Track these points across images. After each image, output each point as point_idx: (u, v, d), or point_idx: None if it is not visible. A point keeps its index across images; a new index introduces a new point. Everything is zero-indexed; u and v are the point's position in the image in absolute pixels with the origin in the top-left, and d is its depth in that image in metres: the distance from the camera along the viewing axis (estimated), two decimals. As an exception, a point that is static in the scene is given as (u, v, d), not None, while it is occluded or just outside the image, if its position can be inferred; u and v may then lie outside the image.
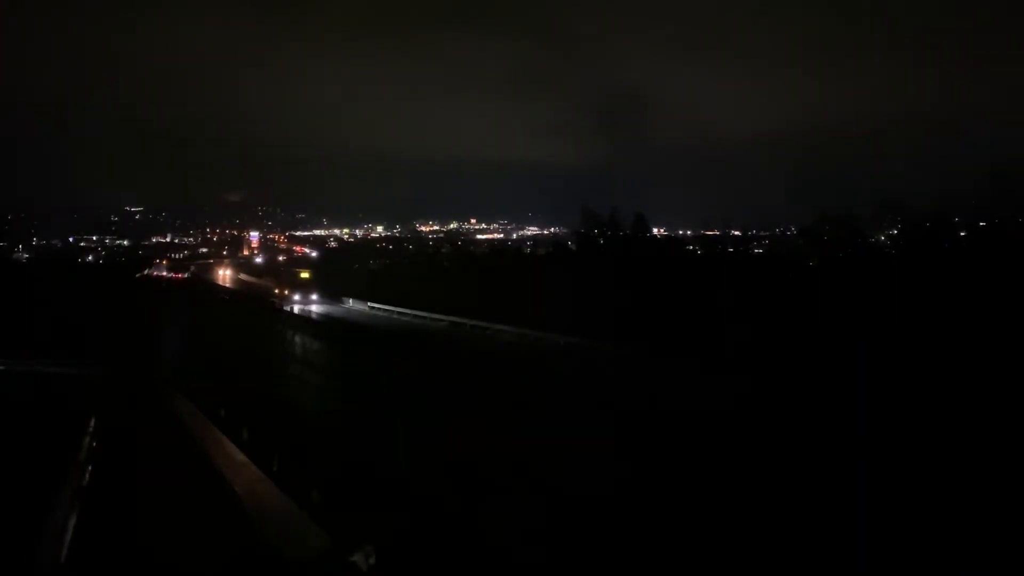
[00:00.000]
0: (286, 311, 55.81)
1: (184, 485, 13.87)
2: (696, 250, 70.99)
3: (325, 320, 49.79)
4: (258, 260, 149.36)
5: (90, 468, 14.10)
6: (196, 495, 13.11)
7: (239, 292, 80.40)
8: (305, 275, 68.28)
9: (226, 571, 9.89)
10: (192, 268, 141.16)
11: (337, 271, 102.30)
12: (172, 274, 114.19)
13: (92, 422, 18.09)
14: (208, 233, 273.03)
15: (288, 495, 12.10)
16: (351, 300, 59.52)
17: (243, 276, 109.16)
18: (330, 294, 62.12)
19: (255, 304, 63.22)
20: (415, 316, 48.34)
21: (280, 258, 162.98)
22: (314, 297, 61.01)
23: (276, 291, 67.49)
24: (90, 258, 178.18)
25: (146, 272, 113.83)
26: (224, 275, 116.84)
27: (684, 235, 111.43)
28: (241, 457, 15.33)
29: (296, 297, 61.18)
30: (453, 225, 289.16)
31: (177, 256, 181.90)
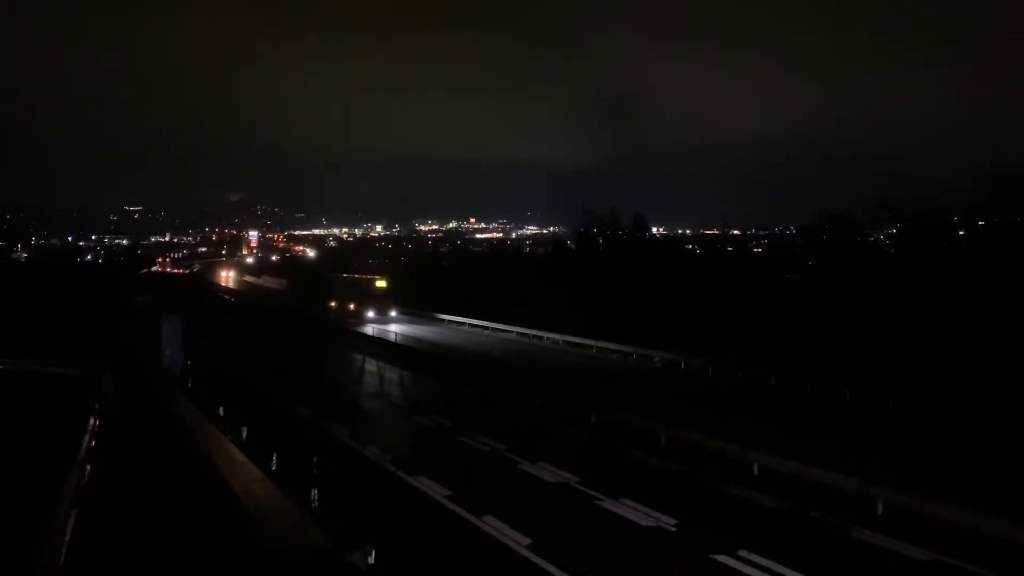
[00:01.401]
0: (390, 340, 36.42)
1: (183, 484, 13.88)
2: (695, 249, 71.01)
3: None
4: (249, 260, 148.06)
5: (89, 468, 14.10)
6: (195, 495, 13.12)
7: (271, 303, 66.59)
8: (381, 284, 50.14)
9: (225, 571, 9.89)
10: (197, 267, 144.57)
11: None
12: (174, 269, 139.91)
13: (92, 422, 18.08)
14: (207, 232, 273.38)
15: (287, 495, 12.09)
16: (444, 317, 46.81)
17: (248, 277, 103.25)
18: (408, 308, 49.61)
19: (324, 328, 45.07)
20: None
21: (274, 257, 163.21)
22: (393, 313, 47.61)
23: (332, 304, 52.59)
24: (89, 257, 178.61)
25: (151, 269, 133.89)
26: (228, 276, 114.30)
27: (683, 234, 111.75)
28: (240, 457, 15.31)
29: (370, 314, 46.47)
30: (452, 224, 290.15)
31: (177, 255, 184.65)
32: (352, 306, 49.12)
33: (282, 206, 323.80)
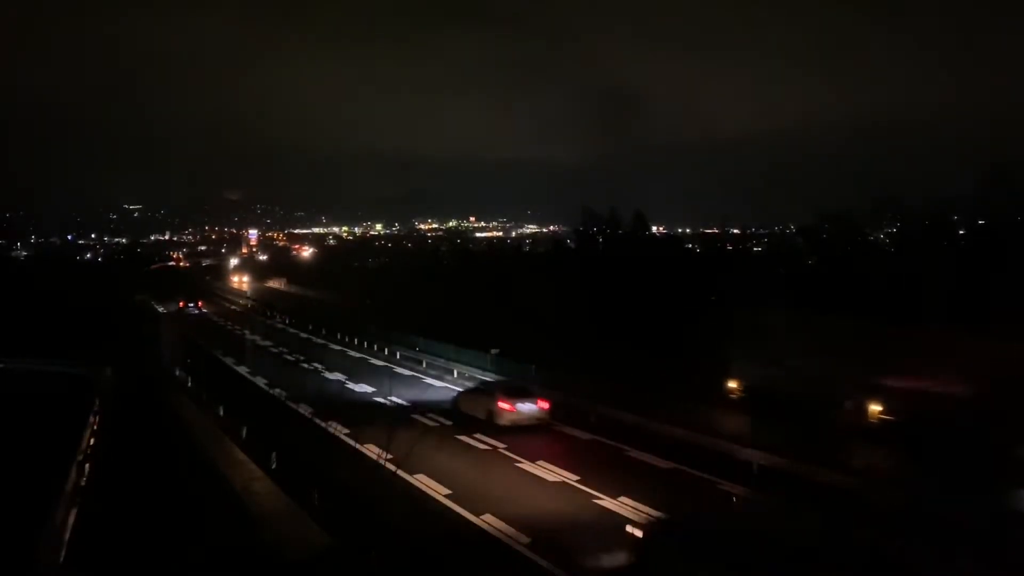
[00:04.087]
0: None
1: (183, 483, 13.87)
2: (696, 248, 71.07)
3: None
4: (234, 261, 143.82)
5: (89, 467, 14.09)
6: (195, 493, 13.11)
7: None
8: None
9: (226, 570, 9.88)
10: (206, 263, 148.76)
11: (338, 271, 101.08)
12: (180, 264, 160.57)
13: (92, 420, 18.09)
14: (207, 231, 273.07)
15: (288, 494, 12.09)
16: None
17: (272, 283, 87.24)
18: None
19: None
20: None
21: (262, 257, 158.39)
22: None
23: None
24: (89, 256, 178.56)
25: (166, 264, 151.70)
26: (241, 280, 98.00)
27: (683, 233, 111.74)
28: (240, 455, 15.32)
29: None
30: (452, 223, 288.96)
31: (177, 254, 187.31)
32: None
33: (282, 205, 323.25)
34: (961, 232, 45.09)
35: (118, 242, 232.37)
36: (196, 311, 59.76)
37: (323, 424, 18.99)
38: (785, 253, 58.72)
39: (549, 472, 15.50)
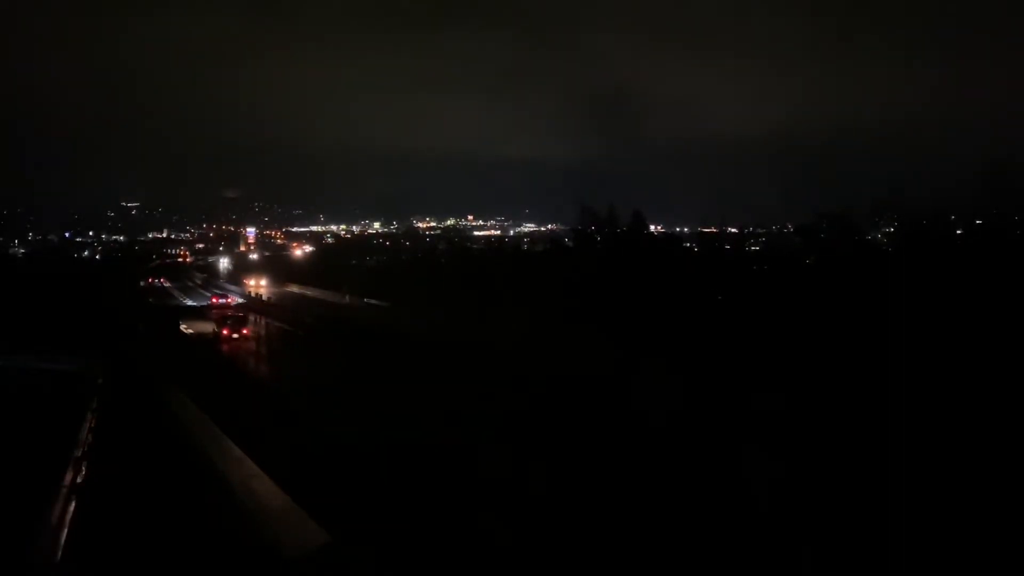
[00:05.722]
0: None
1: (181, 480, 13.83)
2: (694, 247, 71.02)
3: None
4: (224, 259, 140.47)
5: (86, 464, 14.05)
6: (193, 491, 13.08)
7: None
8: None
9: (223, 568, 9.86)
10: (210, 260, 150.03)
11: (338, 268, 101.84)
12: (186, 260, 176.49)
13: (89, 418, 18.05)
14: (205, 229, 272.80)
15: (285, 491, 12.07)
16: None
17: (293, 287, 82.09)
18: None
19: None
20: None
21: (252, 256, 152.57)
22: None
23: None
24: (86, 253, 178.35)
25: (156, 264, 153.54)
26: (259, 283, 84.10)
27: (682, 232, 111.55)
28: (237, 452, 15.31)
29: None
30: (450, 222, 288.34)
31: (183, 250, 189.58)
32: None
33: (279, 203, 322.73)
34: (959, 232, 45.11)
35: (116, 240, 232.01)
36: (159, 284, 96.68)
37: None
38: (782, 252, 58.74)
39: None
